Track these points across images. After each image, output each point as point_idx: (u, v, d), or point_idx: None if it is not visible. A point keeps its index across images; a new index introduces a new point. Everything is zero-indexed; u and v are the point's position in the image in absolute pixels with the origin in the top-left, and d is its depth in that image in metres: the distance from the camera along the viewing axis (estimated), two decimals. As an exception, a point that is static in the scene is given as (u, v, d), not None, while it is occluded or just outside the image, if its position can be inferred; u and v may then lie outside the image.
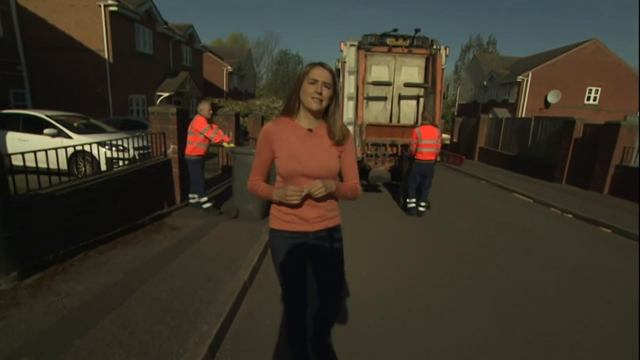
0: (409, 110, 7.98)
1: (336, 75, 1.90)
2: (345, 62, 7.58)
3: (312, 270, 1.88)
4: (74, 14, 12.36)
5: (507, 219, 6.41)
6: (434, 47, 7.40)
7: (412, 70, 7.80)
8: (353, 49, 7.47)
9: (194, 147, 5.18)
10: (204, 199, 5.36)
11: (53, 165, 4.03)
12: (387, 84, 7.73)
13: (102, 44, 12.48)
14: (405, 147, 7.51)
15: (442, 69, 7.44)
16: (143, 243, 4.09)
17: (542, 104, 22.22)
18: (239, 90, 31.65)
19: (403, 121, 7.91)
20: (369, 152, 7.41)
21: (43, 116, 7.59)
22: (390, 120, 7.94)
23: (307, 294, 1.88)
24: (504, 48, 56.02)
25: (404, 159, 6.79)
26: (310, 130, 1.71)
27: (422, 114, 6.41)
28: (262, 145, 1.71)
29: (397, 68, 7.76)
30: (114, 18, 12.71)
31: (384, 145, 7.49)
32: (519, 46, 74.24)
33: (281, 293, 2.15)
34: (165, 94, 15.91)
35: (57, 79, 12.70)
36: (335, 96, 1.69)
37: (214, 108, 8.25)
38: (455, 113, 30.66)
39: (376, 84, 7.69)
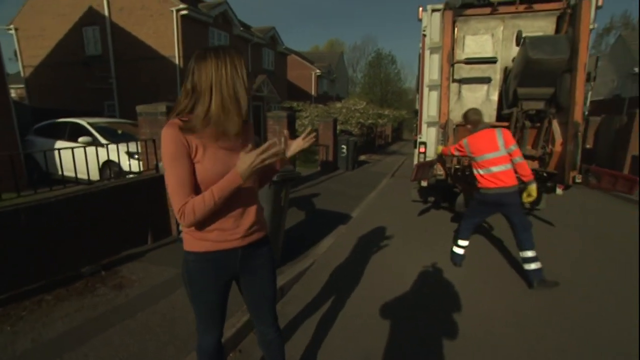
0: (526, 101, 5.12)
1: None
2: (425, 35, 5.20)
3: (242, 290, 1.60)
4: (152, 24, 12.49)
5: None
6: (575, -5, 4.52)
7: (533, 38, 4.99)
8: (437, 15, 5.04)
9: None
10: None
11: (82, 175, 3.95)
12: (491, 61, 5.05)
13: (173, 50, 12.32)
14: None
15: (590, 31, 4.51)
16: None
17: None
18: (328, 94, 30.57)
19: (516, 118, 5.10)
20: (457, 166, 4.87)
21: (84, 123, 7.13)
22: (498, 117, 5.20)
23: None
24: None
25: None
26: None
27: (466, 112, 3.82)
28: (176, 153, 1.30)
29: (507, 37, 5.03)
30: (186, 22, 12.46)
31: (483, 156, 4.87)
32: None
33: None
34: (241, 99, 15.31)
35: (139, 89, 13.00)
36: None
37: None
38: (587, 112, 23.90)
39: (471, 62, 5.10)
